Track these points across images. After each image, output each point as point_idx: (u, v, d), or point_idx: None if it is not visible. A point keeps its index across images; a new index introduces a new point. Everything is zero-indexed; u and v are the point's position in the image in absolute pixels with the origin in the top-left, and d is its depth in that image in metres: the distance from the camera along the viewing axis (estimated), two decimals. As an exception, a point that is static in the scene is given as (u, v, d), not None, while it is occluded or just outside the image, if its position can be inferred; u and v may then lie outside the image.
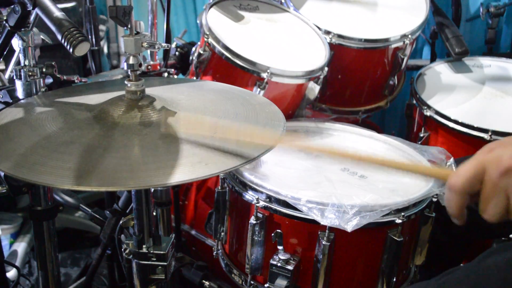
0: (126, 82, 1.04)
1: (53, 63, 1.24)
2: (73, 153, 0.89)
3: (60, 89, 1.23)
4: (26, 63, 1.21)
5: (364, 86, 1.92)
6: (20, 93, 1.22)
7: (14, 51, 1.24)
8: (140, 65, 1.03)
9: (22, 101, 1.19)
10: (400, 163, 0.88)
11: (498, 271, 0.97)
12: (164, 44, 1.08)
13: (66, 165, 0.85)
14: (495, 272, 0.97)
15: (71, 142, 0.93)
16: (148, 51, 1.57)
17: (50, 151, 0.90)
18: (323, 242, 1.14)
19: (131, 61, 1.02)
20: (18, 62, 1.26)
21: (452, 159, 1.35)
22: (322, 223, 1.11)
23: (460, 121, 1.61)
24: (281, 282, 1.17)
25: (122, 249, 1.15)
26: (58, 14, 1.11)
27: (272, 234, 1.19)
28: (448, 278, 1.04)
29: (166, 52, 1.79)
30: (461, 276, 1.03)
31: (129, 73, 1.03)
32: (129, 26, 1.00)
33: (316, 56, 1.70)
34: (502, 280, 0.95)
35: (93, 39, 2.08)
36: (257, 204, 1.20)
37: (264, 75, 1.53)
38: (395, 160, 0.91)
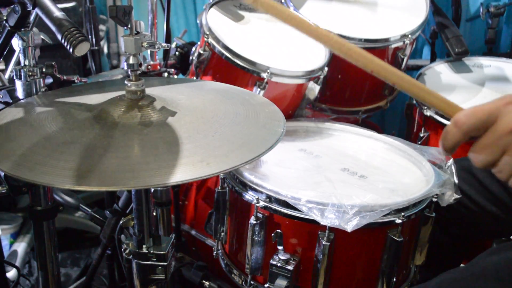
0: (126, 82, 1.04)
1: (53, 63, 1.24)
2: (74, 153, 0.89)
3: (60, 89, 1.23)
4: (26, 63, 1.21)
5: (364, 86, 1.92)
6: (20, 93, 1.22)
7: (14, 51, 1.24)
8: (140, 65, 1.03)
9: (22, 101, 1.19)
10: (413, 81, 0.86)
11: (496, 271, 0.96)
12: (164, 44, 1.08)
13: (66, 165, 0.85)
14: (493, 272, 0.97)
15: (71, 142, 0.93)
16: (148, 51, 1.57)
17: (51, 151, 0.90)
18: (323, 242, 1.14)
19: (131, 61, 1.02)
20: (18, 62, 1.26)
21: (451, 160, 1.35)
22: (322, 223, 1.11)
23: (460, 121, 1.61)
24: (281, 282, 1.17)
25: (122, 249, 1.14)
26: (58, 14, 1.11)
27: (272, 234, 1.19)
28: (447, 278, 1.04)
29: (166, 52, 1.79)
30: (460, 276, 1.03)
31: (129, 73, 1.03)
32: (129, 26, 1.00)
33: (316, 56, 1.70)
34: (501, 280, 0.95)
35: (93, 39, 2.08)
36: (257, 204, 1.20)
37: (264, 75, 1.53)
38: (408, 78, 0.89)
